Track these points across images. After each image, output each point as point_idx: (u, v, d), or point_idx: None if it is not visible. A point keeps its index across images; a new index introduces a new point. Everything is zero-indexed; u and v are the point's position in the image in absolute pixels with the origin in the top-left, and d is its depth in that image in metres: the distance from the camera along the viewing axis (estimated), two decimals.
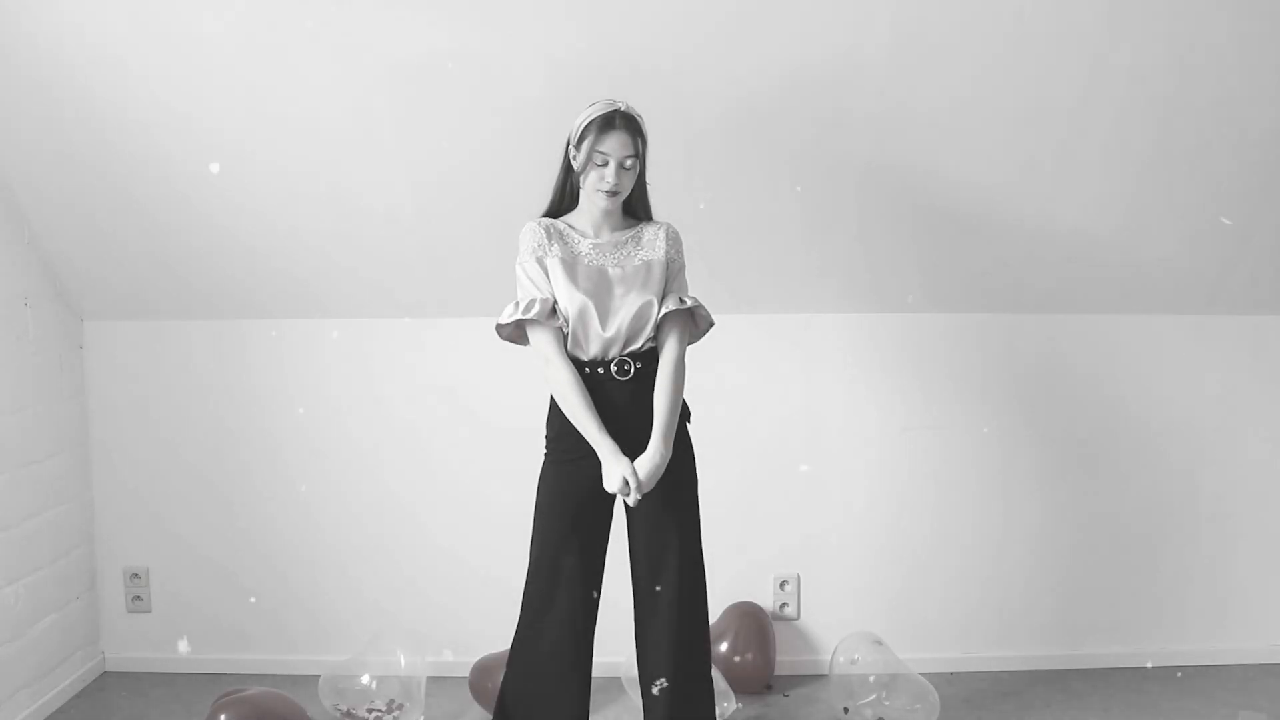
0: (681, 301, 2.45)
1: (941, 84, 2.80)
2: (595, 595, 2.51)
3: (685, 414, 2.51)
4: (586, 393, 2.38)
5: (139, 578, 3.37)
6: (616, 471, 2.35)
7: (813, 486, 3.33)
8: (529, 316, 2.38)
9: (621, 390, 2.41)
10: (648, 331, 2.42)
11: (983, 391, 3.32)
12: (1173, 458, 3.37)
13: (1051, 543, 3.38)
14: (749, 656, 3.17)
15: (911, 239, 3.10)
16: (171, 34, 2.67)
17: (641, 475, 2.35)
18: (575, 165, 2.40)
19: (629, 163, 2.36)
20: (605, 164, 2.35)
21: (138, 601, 3.38)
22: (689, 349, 2.53)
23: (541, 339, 2.41)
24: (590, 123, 2.36)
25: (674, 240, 2.49)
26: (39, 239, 3.08)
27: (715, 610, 3.21)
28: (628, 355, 2.41)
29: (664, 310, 2.43)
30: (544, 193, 2.54)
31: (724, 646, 3.19)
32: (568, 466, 2.46)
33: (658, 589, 2.48)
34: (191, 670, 3.37)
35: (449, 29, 2.68)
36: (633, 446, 2.39)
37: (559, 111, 2.56)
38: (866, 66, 2.75)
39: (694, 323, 2.51)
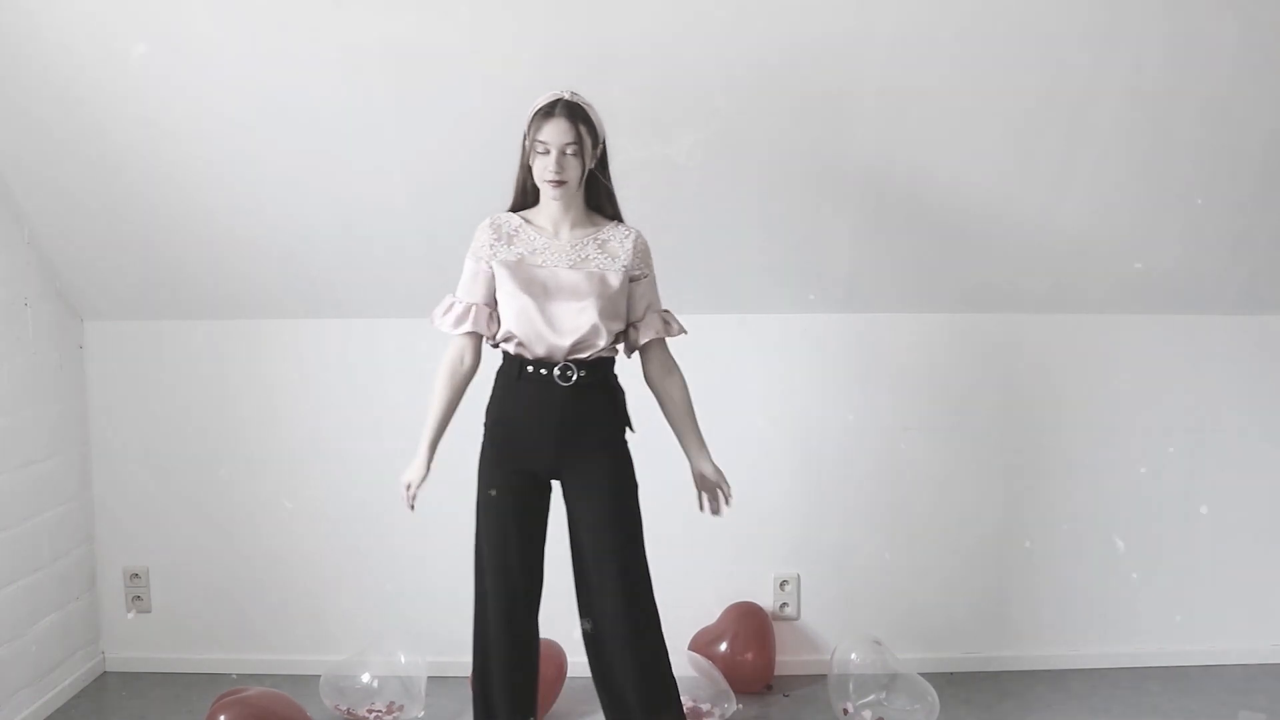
0: (666, 325, 2.50)
1: (938, 81, 2.77)
2: (535, 589, 2.50)
3: (627, 421, 2.51)
4: (447, 409, 2.50)
5: (139, 578, 3.36)
6: (412, 473, 2.49)
7: (813, 486, 3.30)
8: (439, 325, 2.47)
9: (562, 394, 2.41)
10: (596, 346, 2.42)
11: (983, 391, 3.30)
12: (1173, 457, 3.35)
13: (1052, 542, 3.35)
14: (749, 657, 3.16)
15: (908, 238, 3.07)
16: (171, 31, 2.66)
17: (710, 476, 2.51)
18: (527, 157, 2.41)
19: (570, 150, 2.34)
20: (547, 152, 2.34)
21: (138, 601, 3.37)
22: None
23: (449, 345, 2.49)
24: (534, 113, 2.36)
25: (641, 252, 2.47)
26: (39, 239, 3.06)
27: (715, 611, 3.26)
28: (572, 361, 2.41)
29: (645, 339, 2.48)
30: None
31: (724, 647, 3.17)
32: (503, 452, 2.46)
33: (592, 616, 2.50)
34: (191, 670, 3.35)
35: (454, 19, 2.66)
36: (567, 450, 2.42)
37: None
38: (863, 62, 2.72)
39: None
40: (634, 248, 2.45)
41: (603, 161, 2.44)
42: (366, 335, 3.26)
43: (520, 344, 2.41)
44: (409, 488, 2.48)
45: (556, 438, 2.41)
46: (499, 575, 2.45)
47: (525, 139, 2.39)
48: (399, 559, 3.31)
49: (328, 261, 3.10)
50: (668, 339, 2.52)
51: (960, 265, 3.14)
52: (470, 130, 2.83)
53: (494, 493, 2.44)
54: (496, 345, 2.46)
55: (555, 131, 2.33)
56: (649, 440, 2.58)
